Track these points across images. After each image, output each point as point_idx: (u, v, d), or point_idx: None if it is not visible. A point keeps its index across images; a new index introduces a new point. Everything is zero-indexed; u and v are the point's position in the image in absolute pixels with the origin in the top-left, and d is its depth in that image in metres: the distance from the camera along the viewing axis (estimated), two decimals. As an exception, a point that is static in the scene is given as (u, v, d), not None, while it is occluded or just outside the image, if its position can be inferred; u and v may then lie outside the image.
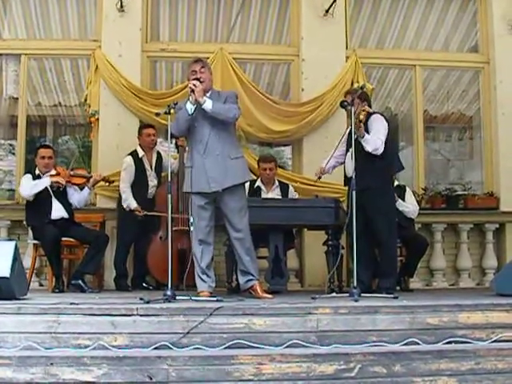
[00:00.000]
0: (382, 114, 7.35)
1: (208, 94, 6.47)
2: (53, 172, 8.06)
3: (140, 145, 8.67)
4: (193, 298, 5.96)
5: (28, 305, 5.29)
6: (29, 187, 7.89)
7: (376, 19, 10.14)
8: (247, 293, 6.56)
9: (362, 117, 6.99)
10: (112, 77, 9.12)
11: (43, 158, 8.09)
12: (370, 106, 7.34)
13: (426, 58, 10.16)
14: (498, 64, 9.92)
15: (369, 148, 7.06)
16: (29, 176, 8.02)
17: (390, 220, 7.20)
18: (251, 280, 6.49)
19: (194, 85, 6.33)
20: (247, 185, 7.33)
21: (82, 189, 8.20)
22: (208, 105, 6.32)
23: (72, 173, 8.08)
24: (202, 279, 6.48)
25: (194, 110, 6.34)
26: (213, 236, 6.56)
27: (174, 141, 8.44)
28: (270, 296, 6.31)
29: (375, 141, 7.03)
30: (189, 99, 6.39)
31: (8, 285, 5.75)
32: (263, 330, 5.05)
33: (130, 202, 8.34)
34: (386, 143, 7.09)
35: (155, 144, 8.75)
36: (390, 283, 7.04)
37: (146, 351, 4.76)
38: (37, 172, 8.07)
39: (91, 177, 8.16)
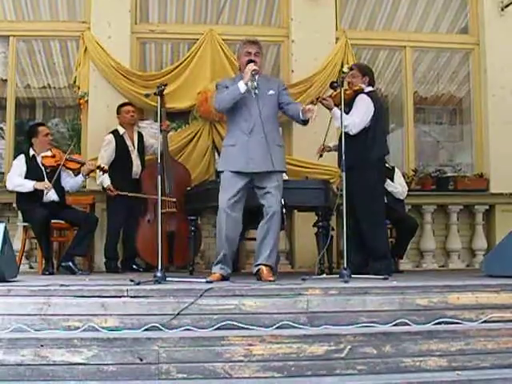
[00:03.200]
0: (370, 95, 7.17)
1: (256, 77, 6.32)
2: (48, 153, 8.00)
3: (120, 123, 8.65)
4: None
5: (18, 287, 5.29)
6: (13, 184, 7.90)
7: (366, 0, 10.10)
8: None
9: (348, 92, 7.02)
10: (101, 58, 9.07)
11: (46, 134, 8.09)
12: (372, 81, 7.35)
13: (416, 40, 10.15)
14: (488, 46, 9.91)
15: (336, 123, 7.08)
16: (22, 161, 7.95)
17: (372, 202, 7.07)
18: (257, 265, 6.36)
19: (255, 70, 6.24)
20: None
21: (76, 174, 8.15)
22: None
23: (68, 157, 8.00)
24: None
25: (245, 91, 6.25)
26: (240, 216, 6.43)
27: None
28: (272, 279, 6.16)
29: (347, 119, 6.95)
30: (244, 79, 6.26)
31: (-3, 267, 5.75)
32: (253, 311, 5.05)
33: (103, 179, 8.34)
34: (371, 125, 7.05)
35: (135, 121, 8.74)
36: (382, 265, 6.97)
37: (137, 332, 4.76)
38: (31, 152, 8.01)
39: (85, 163, 8.09)
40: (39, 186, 7.78)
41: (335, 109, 7.05)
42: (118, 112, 8.69)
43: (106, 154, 8.42)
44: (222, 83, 6.55)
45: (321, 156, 7.64)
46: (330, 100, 7.14)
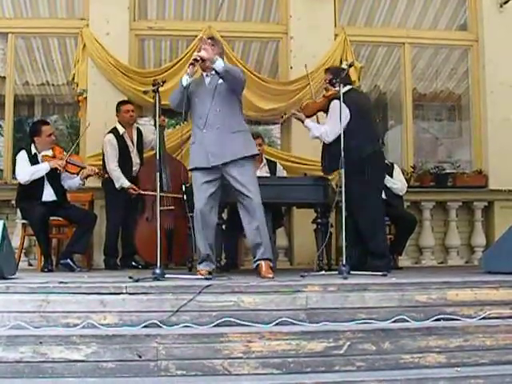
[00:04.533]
0: (344, 98, 6.86)
1: (213, 72, 6.38)
2: (49, 153, 7.96)
3: (119, 122, 8.61)
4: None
5: (17, 284, 5.28)
6: (27, 173, 7.75)
7: (365, -3, 10.11)
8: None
9: (319, 101, 7.11)
10: (100, 55, 9.07)
11: (50, 135, 8.02)
12: (348, 80, 7.33)
13: (414, 36, 10.14)
14: (486, 42, 9.92)
15: (310, 135, 7.19)
16: (23, 156, 7.88)
17: (368, 200, 7.05)
18: (256, 260, 6.38)
19: (197, 57, 6.24)
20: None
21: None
22: (220, 63, 6.19)
23: (68, 159, 7.95)
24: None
25: (188, 84, 6.27)
26: (215, 215, 6.50)
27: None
28: (271, 276, 6.17)
29: (318, 129, 7.07)
30: (187, 72, 6.33)
31: (-4, 264, 5.74)
32: (252, 307, 5.05)
33: (122, 181, 8.30)
34: (350, 127, 6.90)
35: (135, 120, 8.72)
36: (381, 262, 6.96)
37: (136, 329, 4.76)
38: (33, 150, 7.93)
39: (85, 167, 8.03)
40: (54, 163, 7.77)
41: (307, 121, 7.24)
42: (118, 110, 8.65)
43: (112, 154, 8.38)
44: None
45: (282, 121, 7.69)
46: (300, 114, 7.23)
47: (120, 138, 8.50)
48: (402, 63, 10.17)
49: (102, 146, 8.50)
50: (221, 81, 6.39)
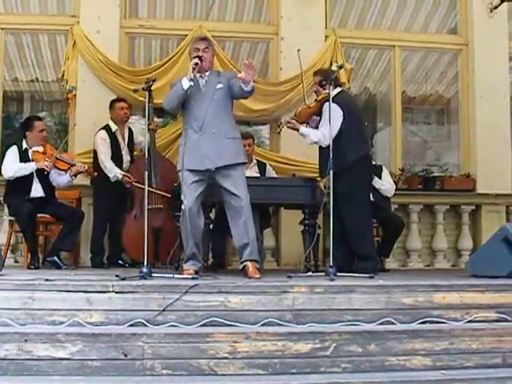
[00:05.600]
0: (336, 100, 6.97)
1: (207, 73, 6.46)
2: (40, 149, 7.94)
3: (112, 119, 8.57)
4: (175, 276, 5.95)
5: (3, 281, 5.27)
6: (13, 169, 7.75)
7: (356, -1, 10.13)
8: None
9: (312, 105, 7.13)
10: (90, 53, 9.06)
11: (42, 131, 8.01)
12: (337, 82, 7.34)
13: (405, 39, 10.18)
14: (476, 46, 9.96)
15: (308, 141, 7.18)
16: (15, 150, 7.86)
17: (355, 203, 7.02)
18: (243, 261, 6.39)
19: (196, 63, 6.26)
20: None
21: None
22: (252, 85, 6.23)
23: (58, 156, 7.93)
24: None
25: (188, 88, 6.27)
26: (202, 214, 6.52)
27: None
28: (257, 276, 6.18)
29: (315, 135, 7.06)
30: (187, 75, 6.29)
31: (-17, 261, 5.72)
32: (239, 308, 5.05)
33: (116, 172, 8.25)
34: (343, 129, 6.98)
35: (128, 118, 8.69)
36: (368, 265, 6.95)
37: (121, 328, 4.75)
38: (24, 145, 7.92)
39: (75, 164, 8.00)
40: (40, 165, 7.75)
41: (301, 128, 7.20)
42: (111, 107, 8.61)
43: (105, 149, 8.33)
44: (175, 82, 6.50)
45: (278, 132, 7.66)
46: (293, 122, 7.21)
47: (112, 135, 8.46)
48: (391, 66, 10.20)
49: (94, 143, 8.45)
50: (220, 86, 6.43)
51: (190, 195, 6.30)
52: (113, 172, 8.26)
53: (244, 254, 6.34)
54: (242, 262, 6.37)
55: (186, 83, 6.26)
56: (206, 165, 6.28)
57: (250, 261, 6.30)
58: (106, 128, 8.48)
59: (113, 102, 8.65)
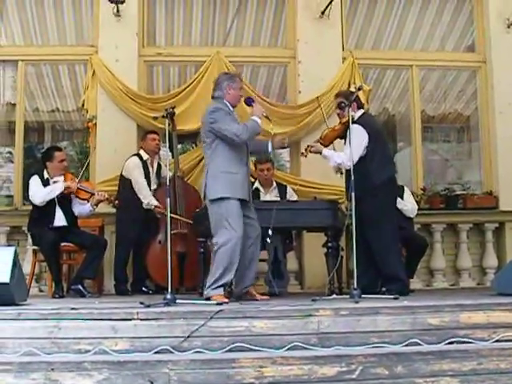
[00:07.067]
0: (360, 121, 7.10)
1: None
2: (61, 179, 7.99)
3: (143, 149, 8.66)
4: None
5: (28, 310, 5.28)
6: (42, 194, 7.82)
7: (372, 20, 10.15)
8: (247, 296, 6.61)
9: (337, 128, 7.25)
10: (109, 82, 9.13)
11: (62, 161, 8.07)
12: (360, 104, 7.35)
13: (422, 58, 10.18)
14: (494, 63, 9.93)
15: (331, 163, 7.20)
16: (37, 179, 7.93)
17: (382, 225, 7.02)
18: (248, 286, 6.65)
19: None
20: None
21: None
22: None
23: (79, 185, 7.97)
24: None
25: None
26: None
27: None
28: (266, 297, 6.28)
29: (339, 157, 7.09)
30: (260, 119, 6.63)
31: (8, 290, 5.73)
32: (264, 332, 5.03)
33: (150, 199, 8.29)
34: (368, 151, 7.02)
35: (159, 149, 8.77)
36: (395, 287, 6.91)
37: (147, 355, 4.74)
38: (45, 175, 7.98)
39: (95, 194, 8.01)
40: (68, 184, 7.87)
41: (324, 151, 7.24)
42: (144, 138, 8.73)
43: (140, 174, 8.42)
44: (223, 108, 6.59)
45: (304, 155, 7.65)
46: (316, 145, 7.28)
47: (144, 163, 8.54)
48: (410, 85, 10.19)
49: (123, 168, 8.51)
50: None
51: (239, 224, 6.38)
52: (147, 199, 8.30)
53: (249, 280, 6.64)
54: (246, 287, 6.63)
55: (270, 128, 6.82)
56: (247, 196, 6.54)
57: (252, 285, 6.66)
58: (138, 155, 8.56)
59: (145, 134, 8.76)
